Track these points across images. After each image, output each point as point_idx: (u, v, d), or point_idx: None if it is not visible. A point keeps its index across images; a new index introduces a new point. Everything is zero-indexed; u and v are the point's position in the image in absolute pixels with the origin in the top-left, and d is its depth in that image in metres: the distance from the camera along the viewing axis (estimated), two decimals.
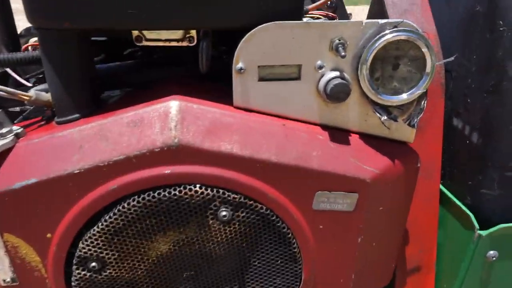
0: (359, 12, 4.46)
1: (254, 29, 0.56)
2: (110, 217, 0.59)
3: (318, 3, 0.94)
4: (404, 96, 0.60)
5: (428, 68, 0.58)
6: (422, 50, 0.57)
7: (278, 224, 0.63)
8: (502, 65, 0.65)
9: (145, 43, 0.65)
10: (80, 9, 0.53)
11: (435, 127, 0.75)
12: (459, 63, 0.75)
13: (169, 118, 0.57)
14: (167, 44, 0.65)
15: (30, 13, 0.55)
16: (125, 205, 0.58)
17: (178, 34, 0.63)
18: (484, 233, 0.71)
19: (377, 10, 1.09)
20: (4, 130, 0.59)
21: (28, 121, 0.68)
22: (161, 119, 0.57)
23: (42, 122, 0.66)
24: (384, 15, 0.80)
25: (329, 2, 1.01)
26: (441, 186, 0.79)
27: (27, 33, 0.83)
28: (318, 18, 0.96)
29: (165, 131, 0.56)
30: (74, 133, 0.58)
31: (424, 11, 0.78)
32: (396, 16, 0.77)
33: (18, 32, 0.82)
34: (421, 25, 0.76)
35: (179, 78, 0.70)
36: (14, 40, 0.80)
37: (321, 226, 0.65)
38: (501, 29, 0.65)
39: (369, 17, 1.17)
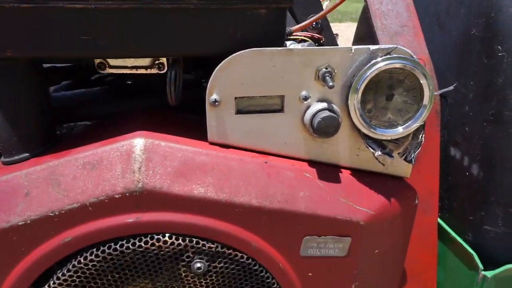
0: (344, 29, 4.50)
1: (230, 57, 0.50)
2: (63, 274, 0.50)
3: (302, 24, 0.89)
4: (400, 129, 0.54)
5: (426, 100, 0.52)
6: (419, 79, 0.51)
7: (262, 274, 0.55)
8: (503, 94, 0.60)
9: (109, 70, 0.57)
10: (24, 35, 0.46)
11: (431, 158, 0.69)
12: (455, 89, 0.70)
13: (132, 158, 0.49)
14: (134, 71, 0.58)
15: None
16: (82, 259, 0.50)
17: (146, 61, 0.56)
18: (489, 274, 0.64)
19: (365, 32, 1.05)
20: None
21: None
22: (122, 159, 0.49)
23: None
24: (373, 37, 0.75)
25: (314, 23, 0.96)
26: (439, 220, 0.72)
27: None
28: (302, 40, 0.90)
29: (127, 174, 0.48)
30: (20, 177, 0.49)
31: (415, 34, 0.73)
32: (386, 39, 0.72)
33: None
34: (413, 49, 0.71)
35: (147, 109, 0.63)
36: None
37: (310, 274, 0.57)
38: (500, 54, 0.60)
39: (356, 38, 1.12)
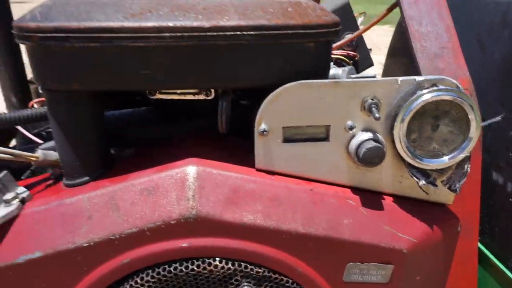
0: (369, 32, 4.42)
1: (279, 89, 0.52)
2: None
3: (339, 43, 0.90)
4: (445, 159, 0.54)
5: (472, 132, 0.52)
6: (466, 111, 0.51)
7: None
8: None
9: (158, 96, 0.60)
10: (90, 71, 0.49)
11: (472, 182, 0.68)
12: (497, 112, 0.69)
13: (186, 186, 0.52)
14: (182, 97, 0.61)
15: (37, 74, 0.51)
16: (138, 279, 0.53)
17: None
18: None
19: (401, 45, 1.04)
20: (9, 196, 0.54)
21: (35, 178, 0.64)
22: (177, 186, 0.52)
23: (50, 181, 0.62)
24: (409, 53, 0.75)
25: None
26: (479, 244, 0.72)
27: None
28: (338, 59, 0.91)
29: (182, 201, 0.51)
30: (83, 200, 0.53)
31: (455, 56, 0.72)
32: (426, 61, 0.72)
33: (28, 78, 0.80)
34: (453, 71, 0.71)
35: (195, 133, 0.66)
36: (23, 87, 0.77)
37: None
38: None
39: (390, 51, 1.12)
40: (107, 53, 0.49)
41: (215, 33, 0.48)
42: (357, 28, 1.00)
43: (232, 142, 0.64)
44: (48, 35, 0.46)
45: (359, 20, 1.04)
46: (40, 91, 0.83)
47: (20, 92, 0.76)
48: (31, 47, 0.49)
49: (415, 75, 0.64)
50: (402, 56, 1.04)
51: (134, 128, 0.68)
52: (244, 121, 0.63)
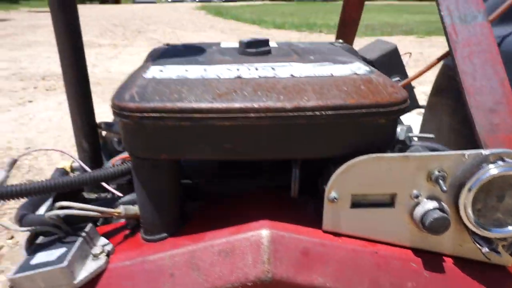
0: (396, 43, 4.39)
1: (351, 162, 0.55)
2: None
3: None
4: (510, 229, 0.56)
5: None
6: None
7: None
8: None
9: None
10: (177, 144, 0.54)
11: None
12: None
13: (261, 249, 0.56)
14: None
15: (128, 144, 0.56)
16: None
17: None
18: None
19: (446, 87, 1.06)
20: (97, 250, 0.60)
21: (111, 226, 0.70)
22: (252, 249, 0.56)
23: (127, 232, 0.67)
24: (466, 112, 0.76)
25: None
26: None
27: (106, 127, 0.86)
28: None
29: (258, 264, 0.55)
30: (165, 258, 0.58)
31: (511, 111, 0.74)
32: (481, 116, 0.74)
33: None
34: (509, 127, 0.72)
35: (261, 188, 0.70)
36: (93, 132, 0.83)
37: None
38: None
39: (434, 90, 1.13)
40: (195, 129, 0.53)
41: (295, 113, 0.52)
42: (404, 71, 1.01)
43: (298, 200, 0.68)
44: (146, 115, 0.51)
45: (405, 60, 1.06)
46: (115, 144, 0.89)
47: (91, 137, 0.82)
48: (126, 123, 0.54)
49: (469, 128, 0.66)
50: (447, 98, 1.05)
51: (202, 182, 0.72)
52: (309, 177, 0.66)
